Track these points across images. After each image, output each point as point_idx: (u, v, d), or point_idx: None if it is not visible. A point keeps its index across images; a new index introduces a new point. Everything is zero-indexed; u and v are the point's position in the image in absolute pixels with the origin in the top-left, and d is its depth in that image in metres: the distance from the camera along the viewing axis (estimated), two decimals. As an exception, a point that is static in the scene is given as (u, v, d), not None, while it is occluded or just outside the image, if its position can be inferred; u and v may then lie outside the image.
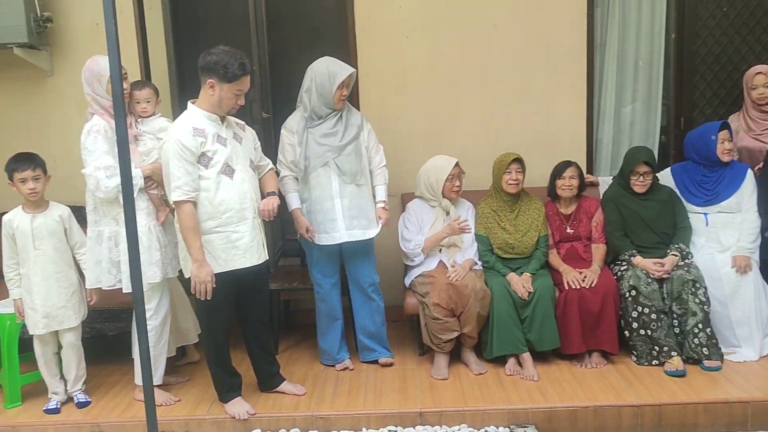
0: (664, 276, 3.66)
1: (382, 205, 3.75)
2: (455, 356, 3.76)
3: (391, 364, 3.80)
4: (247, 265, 3.12)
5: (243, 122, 3.33)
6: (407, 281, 3.91)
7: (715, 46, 4.39)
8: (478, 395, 3.38)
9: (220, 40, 3.09)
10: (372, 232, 3.68)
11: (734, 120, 4.09)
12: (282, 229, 4.43)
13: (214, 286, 3.02)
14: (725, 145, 3.75)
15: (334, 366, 3.80)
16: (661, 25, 4.40)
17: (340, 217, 3.60)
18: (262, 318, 3.39)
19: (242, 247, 3.09)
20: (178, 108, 4.22)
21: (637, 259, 3.71)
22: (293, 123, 3.65)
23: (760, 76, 3.96)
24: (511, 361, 3.67)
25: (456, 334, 3.63)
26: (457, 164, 3.87)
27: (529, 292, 3.65)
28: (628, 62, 4.46)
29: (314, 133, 3.58)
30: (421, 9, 4.29)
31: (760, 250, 3.79)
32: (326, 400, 3.40)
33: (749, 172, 3.84)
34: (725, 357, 3.63)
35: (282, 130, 3.68)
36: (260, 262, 3.18)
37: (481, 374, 3.63)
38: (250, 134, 3.32)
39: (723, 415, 3.21)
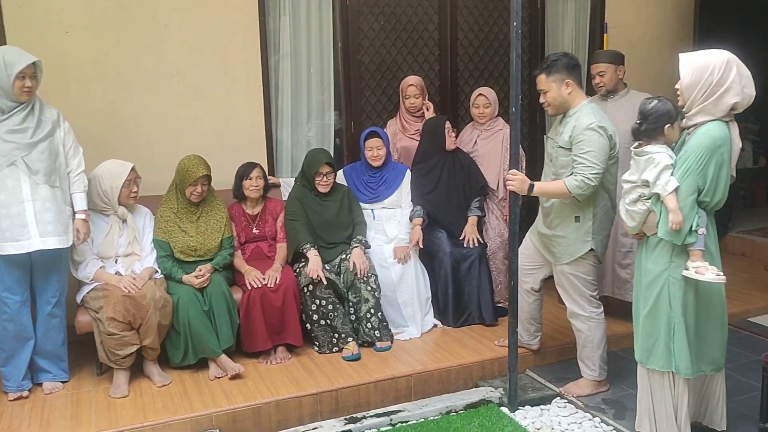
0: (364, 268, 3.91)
1: (83, 216, 3.46)
2: (138, 370, 3.58)
3: (56, 390, 3.49)
4: None
5: None
6: (79, 297, 3.61)
7: (376, 56, 4.82)
8: (160, 408, 3.26)
9: None
10: (70, 240, 3.40)
11: (392, 124, 4.56)
12: None
13: None
14: (373, 152, 4.16)
15: (16, 393, 3.40)
16: (329, 35, 4.70)
17: (32, 223, 3.25)
18: None
19: None
20: None
21: (311, 252, 3.89)
22: None
23: (411, 87, 4.46)
24: (213, 367, 3.63)
25: (135, 347, 3.46)
26: (133, 168, 3.69)
27: (204, 287, 3.66)
28: (301, 69, 4.68)
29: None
30: (81, 2, 3.98)
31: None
32: (-22, 442, 2.99)
33: (408, 172, 4.31)
34: (395, 337, 4.03)
35: None
36: None
37: (165, 385, 3.51)
38: None
39: (391, 390, 3.56)
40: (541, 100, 3.33)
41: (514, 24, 3.08)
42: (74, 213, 3.47)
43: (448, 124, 4.29)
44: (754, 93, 2.63)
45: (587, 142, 3.12)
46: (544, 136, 3.48)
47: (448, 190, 4.29)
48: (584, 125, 3.14)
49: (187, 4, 4.21)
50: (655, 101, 2.77)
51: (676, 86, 2.72)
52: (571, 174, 3.16)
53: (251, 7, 4.37)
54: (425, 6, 4.90)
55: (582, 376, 3.55)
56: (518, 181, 3.23)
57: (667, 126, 2.73)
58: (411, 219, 4.21)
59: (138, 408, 3.27)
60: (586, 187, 3.11)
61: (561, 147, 3.24)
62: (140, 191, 3.82)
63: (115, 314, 3.37)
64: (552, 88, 3.24)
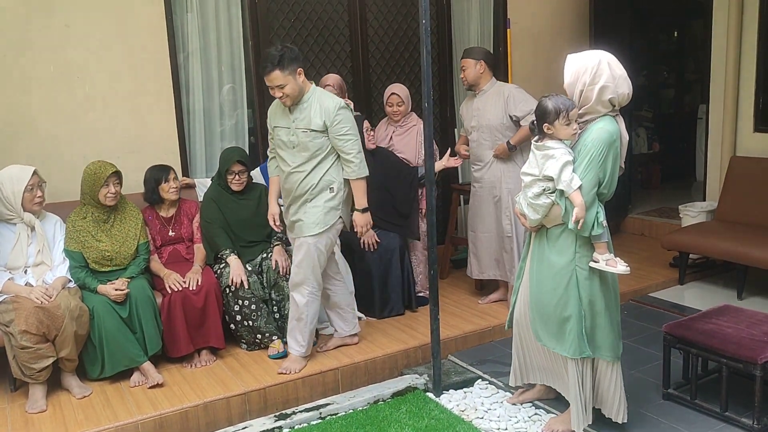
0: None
1: None
2: (56, 383, 3.46)
3: None
4: None
5: None
6: (-14, 312, 3.45)
7: (289, 53, 4.82)
8: (82, 420, 3.18)
9: None
10: None
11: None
12: None
13: None
14: None
15: None
16: (239, 33, 4.65)
17: None
18: None
19: None
20: None
21: (231, 258, 3.87)
22: None
23: (329, 87, 4.41)
24: (136, 374, 3.56)
25: (52, 360, 3.34)
26: (35, 172, 3.55)
27: (126, 297, 3.57)
28: (212, 67, 4.61)
29: None
30: (-26, 3, 3.79)
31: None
32: None
33: None
34: (320, 332, 4.05)
35: None
36: None
37: (85, 396, 3.41)
38: None
39: (318, 384, 3.60)
40: (278, 94, 3.39)
41: (423, 21, 3.16)
42: None
43: (366, 124, 4.33)
44: (627, 91, 2.73)
45: (345, 121, 3.42)
46: (274, 128, 3.57)
47: (383, 187, 4.32)
48: (334, 106, 3.41)
49: (90, 3, 4.07)
50: (543, 100, 2.78)
51: (565, 86, 2.83)
52: (339, 159, 3.49)
53: (156, 5, 4.27)
54: (334, 3, 4.94)
55: (289, 353, 3.67)
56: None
57: (545, 125, 2.75)
58: None
59: (58, 422, 3.17)
60: (361, 158, 3.48)
61: (314, 131, 3.42)
62: (48, 198, 3.70)
63: (27, 327, 3.24)
64: (290, 80, 3.35)
